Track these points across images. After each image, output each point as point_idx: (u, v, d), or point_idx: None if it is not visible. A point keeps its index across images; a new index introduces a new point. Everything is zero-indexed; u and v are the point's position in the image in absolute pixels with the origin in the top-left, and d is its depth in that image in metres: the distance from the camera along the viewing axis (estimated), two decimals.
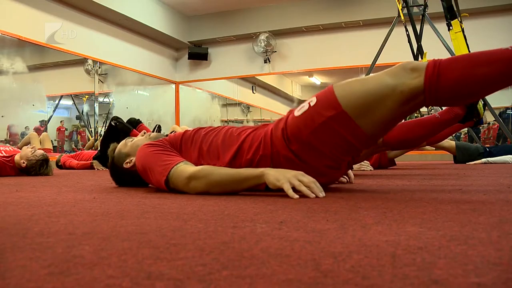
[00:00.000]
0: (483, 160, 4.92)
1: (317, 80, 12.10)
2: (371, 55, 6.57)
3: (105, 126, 5.17)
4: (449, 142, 5.36)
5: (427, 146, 4.95)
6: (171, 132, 4.57)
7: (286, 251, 0.67)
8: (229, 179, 1.53)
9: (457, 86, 1.38)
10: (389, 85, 1.43)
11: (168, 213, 1.14)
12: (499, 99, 7.35)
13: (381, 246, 0.69)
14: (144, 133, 2.06)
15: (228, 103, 12.23)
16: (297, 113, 1.62)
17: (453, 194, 1.58)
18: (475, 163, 4.94)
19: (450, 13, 3.78)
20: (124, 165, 1.95)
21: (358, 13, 8.85)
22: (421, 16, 6.22)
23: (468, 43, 4.81)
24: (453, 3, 4.39)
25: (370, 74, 1.54)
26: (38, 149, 3.82)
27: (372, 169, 3.84)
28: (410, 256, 0.62)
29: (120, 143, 2.04)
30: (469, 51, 4.71)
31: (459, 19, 4.56)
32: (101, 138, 5.76)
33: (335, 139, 1.54)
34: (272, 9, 9.49)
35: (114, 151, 2.03)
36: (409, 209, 1.14)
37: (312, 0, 9.18)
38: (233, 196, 1.53)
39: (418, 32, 5.98)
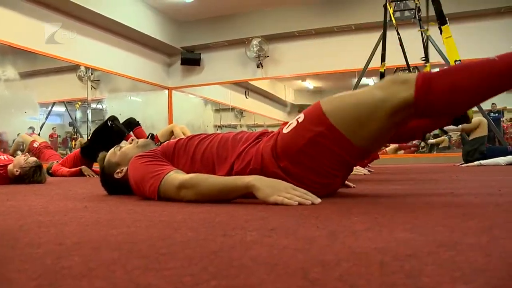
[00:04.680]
0: (476, 163, 4.95)
1: (310, 84, 12.14)
2: (363, 59, 6.60)
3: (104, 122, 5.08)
4: (486, 128, 5.41)
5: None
6: (167, 140, 4.56)
7: (275, 259, 0.67)
8: (217, 190, 1.51)
9: (446, 98, 1.40)
10: (379, 98, 1.44)
11: (159, 222, 1.14)
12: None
13: (370, 254, 0.69)
14: (132, 140, 2.05)
15: (221, 108, 12.26)
16: (285, 130, 1.62)
17: (445, 198, 1.58)
18: (468, 166, 4.97)
19: (440, 19, 3.85)
20: (115, 175, 1.94)
21: (350, 17, 8.89)
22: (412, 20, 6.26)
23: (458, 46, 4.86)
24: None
25: (358, 89, 1.55)
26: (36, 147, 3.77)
27: (367, 173, 3.85)
28: (398, 264, 0.62)
29: (109, 152, 2.02)
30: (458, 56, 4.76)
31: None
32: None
33: (326, 155, 1.53)
34: (264, 14, 9.51)
35: (103, 161, 2.02)
36: (401, 214, 1.15)
37: (304, 5, 9.21)
38: (224, 202, 1.52)
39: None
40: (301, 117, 1.60)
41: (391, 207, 1.33)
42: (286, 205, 1.36)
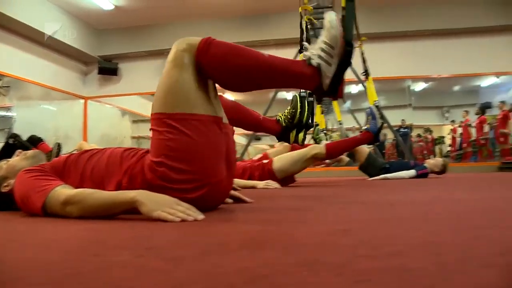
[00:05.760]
0: (382, 176, 5.15)
1: (230, 97, 12.20)
2: None
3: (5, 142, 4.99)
4: (364, 148, 5.60)
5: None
6: (73, 150, 4.39)
7: (132, 282, 0.66)
8: (101, 205, 1.47)
9: (218, 64, 1.60)
10: (176, 74, 1.63)
11: (37, 241, 1.09)
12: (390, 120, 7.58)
13: (229, 275, 0.69)
14: (20, 152, 1.97)
15: (139, 120, 12.04)
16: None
17: (336, 213, 1.62)
18: (373, 179, 5.16)
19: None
20: (2, 189, 1.85)
21: (270, 32, 9.07)
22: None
23: (367, 64, 5.12)
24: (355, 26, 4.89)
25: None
26: None
27: (278, 186, 3.85)
28: (249, 286, 0.62)
29: None
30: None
31: (359, 42, 4.92)
32: None
33: (171, 145, 1.56)
34: (183, 26, 9.49)
35: None
36: (283, 231, 1.17)
37: (223, 18, 9.29)
38: (112, 219, 1.47)
39: None
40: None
41: (277, 224, 1.34)
42: (170, 221, 1.34)
